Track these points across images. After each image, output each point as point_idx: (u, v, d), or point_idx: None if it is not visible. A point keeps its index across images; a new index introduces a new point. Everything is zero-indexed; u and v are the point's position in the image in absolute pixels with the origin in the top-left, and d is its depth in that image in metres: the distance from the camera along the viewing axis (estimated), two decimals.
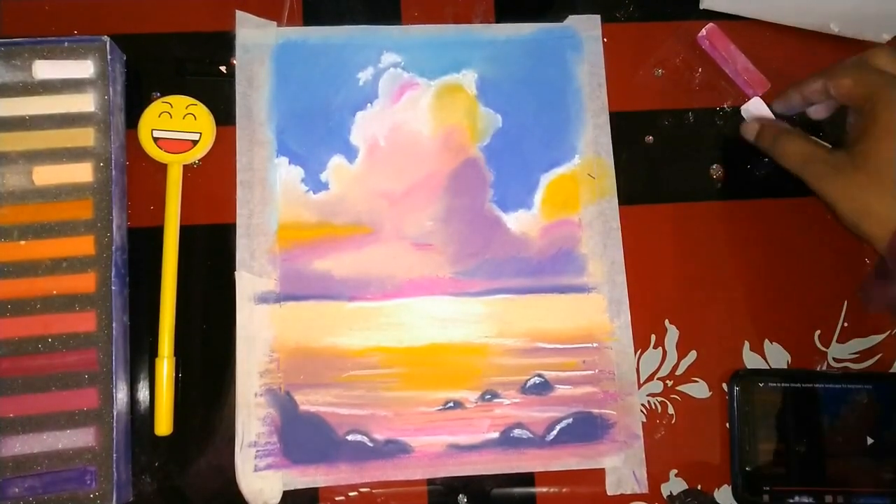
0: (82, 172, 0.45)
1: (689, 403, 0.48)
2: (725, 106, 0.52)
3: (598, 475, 0.46)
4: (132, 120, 0.48)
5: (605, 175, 0.50)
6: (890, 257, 0.42)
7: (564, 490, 0.46)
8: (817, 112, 0.49)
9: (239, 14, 0.50)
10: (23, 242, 0.44)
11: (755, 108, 0.50)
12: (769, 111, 0.50)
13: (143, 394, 0.46)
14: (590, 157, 0.50)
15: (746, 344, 0.49)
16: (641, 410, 0.47)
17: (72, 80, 0.46)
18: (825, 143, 0.46)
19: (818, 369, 0.49)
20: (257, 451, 0.45)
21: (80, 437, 0.43)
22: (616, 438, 0.46)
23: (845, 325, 0.49)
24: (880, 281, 0.44)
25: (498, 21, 0.52)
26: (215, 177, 0.48)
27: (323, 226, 0.48)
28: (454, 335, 0.47)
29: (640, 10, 0.53)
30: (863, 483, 0.46)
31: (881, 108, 0.42)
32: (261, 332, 0.46)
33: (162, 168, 0.47)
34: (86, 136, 0.46)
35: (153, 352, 0.45)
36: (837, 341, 0.49)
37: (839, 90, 0.45)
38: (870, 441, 0.46)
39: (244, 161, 0.48)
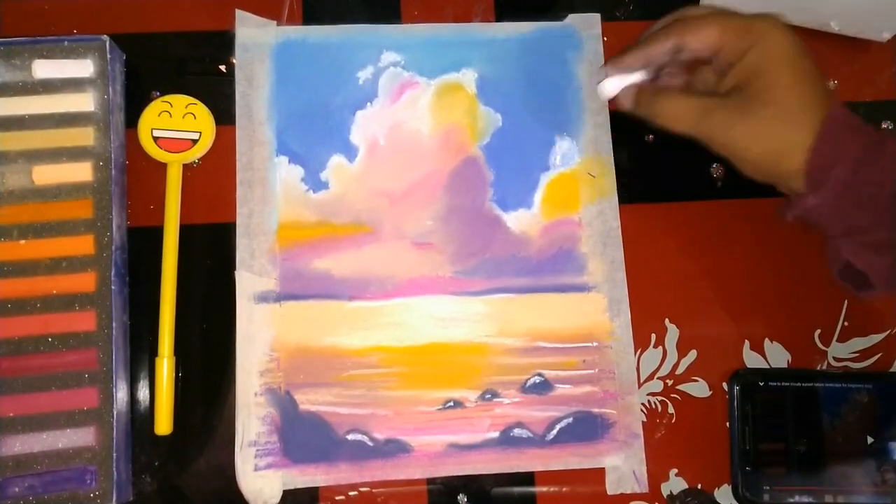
0: (82, 172, 0.45)
1: (690, 403, 0.48)
2: None
3: (599, 474, 0.46)
4: (132, 119, 0.48)
5: (605, 174, 0.50)
6: (809, 183, 0.41)
7: (564, 489, 0.46)
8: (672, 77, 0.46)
9: (239, 13, 0.50)
10: (22, 242, 0.44)
11: (612, 85, 0.46)
12: (631, 78, 0.45)
13: (143, 393, 0.46)
14: (590, 155, 0.50)
15: (746, 343, 0.49)
16: (641, 410, 0.47)
17: (71, 79, 0.46)
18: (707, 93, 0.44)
19: (818, 368, 0.49)
20: (257, 450, 0.45)
21: (80, 437, 0.43)
22: (616, 438, 0.46)
23: (845, 324, 0.49)
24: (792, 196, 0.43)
25: (498, 20, 0.52)
26: (215, 176, 0.48)
27: (323, 225, 0.48)
28: (454, 334, 0.47)
29: (640, 8, 0.53)
30: (863, 483, 0.46)
31: (764, 44, 0.41)
32: (261, 331, 0.46)
33: (162, 167, 0.47)
34: (85, 136, 0.46)
35: (153, 351, 0.45)
36: (838, 340, 0.49)
37: (706, 42, 0.42)
38: (870, 441, 0.46)
39: (244, 160, 0.48)
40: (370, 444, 0.45)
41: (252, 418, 0.45)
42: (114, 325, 0.44)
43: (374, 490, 0.45)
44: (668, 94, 0.44)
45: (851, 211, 0.41)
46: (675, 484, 0.47)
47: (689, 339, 0.48)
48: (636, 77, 0.46)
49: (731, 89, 0.43)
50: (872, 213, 0.40)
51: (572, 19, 0.52)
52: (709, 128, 0.43)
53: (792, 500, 0.45)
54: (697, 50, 0.43)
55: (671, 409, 0.48)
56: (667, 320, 0.49)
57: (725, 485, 0.47)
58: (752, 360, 0.49)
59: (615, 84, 0.46)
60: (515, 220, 0.49)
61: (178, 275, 0.46)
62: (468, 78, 0.51)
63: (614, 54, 0.47)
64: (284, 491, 0.44)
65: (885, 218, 0.40)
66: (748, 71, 0.42)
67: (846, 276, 0.44)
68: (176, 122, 0.48)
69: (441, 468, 0.45)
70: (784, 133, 0.41)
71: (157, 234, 0.46)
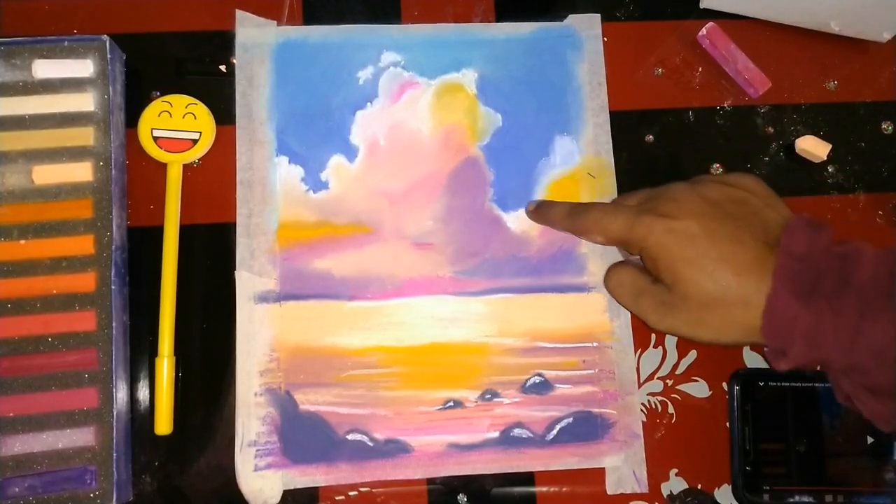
0: (82, 171, 0.45)
1: (690, 403, 0.48)
2: (726, 105, 0.52)
3: (598, 475, 0.46)
4: (132, 119, 0.48)
5: (605, 174, 0.50)
6: (772, 355, 0.40)
7: (564, 489, 0.46)
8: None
9: (239, 13, 0.50)
10: (22, 242, 0.44)
11: None
12: None
13: (142, 393, 0.46)
14: (590, 156, 0.50)
15: None
16: (641, 410, 0.47)
17: (71, 79, 0.46)
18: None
19: (818, 368, 0.48)
20: (257, 450, 0.45)
21: (80, 437, 0.43)
22: (616, 438, 0.46)
23: None
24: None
25: (498, 20, 0.52)
26: (215, 176, 0.48)
27: (323, 225, 0.48)
28: (454, 334, 0.47)
29: (641, 9, 0.53)
30: (863, 483, 0.46)
31: (650, 249, 0.41)
32: (261, 331, 0.46)
33: (162, 167, 0.47)
34: (85, 136, 0.46)
35: (153, 351, 0.45)
36: None
37: (600, 241, 0.45)
38: (870, 440, 0.46)
39: (244, 160, 0.48)
40: (370, 444, 0.45)
41: (252, 418, 0.45)
42: (114, 324, 0.44)
43: (374, 490, 0.45)
44: (619, 264, 0.46)
45: (830, 361, 0.38)
46: (675, 484, 0.47)
47: None
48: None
49: (659, 275, 0.42)
50: (865, 360, 0.37)
51: (572, 19, 0.52)
52: (641, 311, 0.43)
53: (792, 500, 0.45)
54: (610, 241, 0.45)
55: (671, 409, 0.48)
56: None
57: (725, 485, 0.47)
58: (752, 360, 0.48)
59: None
60: (515, 221, 0.49)
61: (178, 275, 0.46)
62: (468, 78, 0.51)
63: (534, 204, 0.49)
64: (284, 491, 0.44)
65: (869, 365, 0.37)
66: (651, 268, 0.42)
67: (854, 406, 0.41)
68: (176, 121, 0.48)
69: (441, 468, 0.45)
70: (711, 321, 0.40)
71: (157, 234, 0.46)
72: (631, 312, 0.45)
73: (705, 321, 0.40)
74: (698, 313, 0.40)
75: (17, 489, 0.42)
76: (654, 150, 0.51)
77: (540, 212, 0.48)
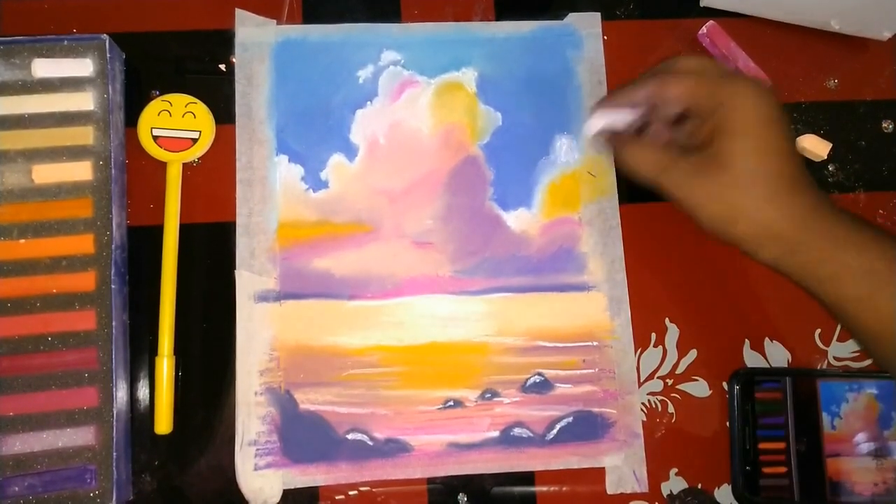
0: (82, 171, 0.45)
1: (690, 402, 0.48)
2: None
3: (598, 474, 0.46)
4: (132, 118, 0.48)
5: (606, 173, 0.50)
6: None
7: (564, 489, 0.46)
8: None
9: (238, 12, 0.50)
10: (22, 241, 0.44)
11: (595, 125, 0.44)
12: (615, 119, 0.44)
13: (142, 392, 0.46)
14: (590, 155, 0.50)
15: (747, 342, 0.49)
16: (641, 409, 0.47)
17: (71, 78, 0.46)
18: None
19: (818, 368, 0.49)
20: (257, 449, 0.45)
21: (80, 436, 0.43)
22: (616, 437, 0.46)
23: None
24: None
25: (498, 19, 0.52)
26: (215, 175, 0.48)
27: (323, 224, 0.48)
28: (454, 334, 0.47)
29: (641, 7, 0.53)
30: (862, 483, 0.46)
31: (732, 106, 0.39)
32: (261, 330, 0.46)
33: (161, 166, 0.47)
34: (85, 135, 0.46)
35: (153, 350, 0.45)
36: (838, 340, 0.49)
37: (677, 95, 0.41)
38: (870, 441, 0.46)
39: (244, 159, 0.48)
40: (370, 443, 0.45)
41: (252, 418, 0.45)
42: (114, 324, 0.44)
43: (374, 490, 0.45)
44: (636, 142, 0.43)
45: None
46: (675, 484, 0.47)
47: (689, 339, 0.48)
48: (619, 118, 0.44)
49: (699, 146, 0.41)
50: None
51: (572, 18, 0.52)
52: (668, 181, 0.41)
53: (792, 500, 0.45)
54: (670, 101, 0.41)
55: (671, 409, 0.47)
56: (667, 320, 0.49)
57: (725, 485, 0.47)
58: (752, 359, 0.48)
59: (598, 123, 0.44)
60: (515, 220, 0.49)
61: (178, 274, 0.46)
62: (468, 77, 0.51)
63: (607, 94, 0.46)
64: (284, 490, 0.44)
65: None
66: (715, 131, 0.40)
67: None
68: (176, 121, 0.48)
69: (441, 468, 0.45)
70: (736, 200, 0.39)
71: (156, 233, 0.46)
72: (649, 185, 0.43)
73: (722, 199, 0.40)
74: (721, 189, 0.39)
75: (17, 489, 0.42)
76: None
77: (613, 98, 0.44)
